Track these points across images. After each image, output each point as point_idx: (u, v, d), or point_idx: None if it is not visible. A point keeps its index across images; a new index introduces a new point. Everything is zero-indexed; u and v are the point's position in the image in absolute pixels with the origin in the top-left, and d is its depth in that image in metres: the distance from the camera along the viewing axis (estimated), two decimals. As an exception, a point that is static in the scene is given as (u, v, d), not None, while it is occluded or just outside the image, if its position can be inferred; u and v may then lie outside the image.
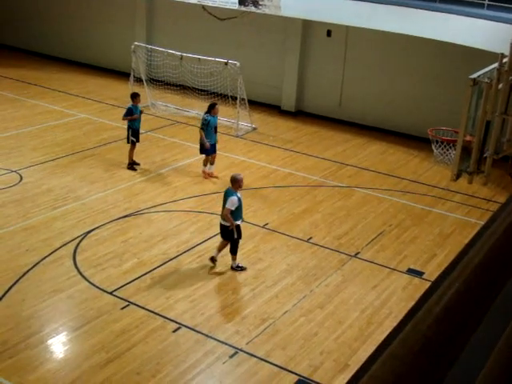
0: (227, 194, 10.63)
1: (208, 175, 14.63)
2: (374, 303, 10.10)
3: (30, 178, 14.18)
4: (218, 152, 14.72)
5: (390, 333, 1.63)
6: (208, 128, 14.27)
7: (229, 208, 10.43)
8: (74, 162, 15.26)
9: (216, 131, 14.59)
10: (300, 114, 20.31)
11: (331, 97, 19.81)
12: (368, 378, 1.37)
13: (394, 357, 1.42)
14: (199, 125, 14.74)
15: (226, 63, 17.89)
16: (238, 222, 10.68)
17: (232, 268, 10.85)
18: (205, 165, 14.61)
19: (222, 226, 10.74)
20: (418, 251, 11.92)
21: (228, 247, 10.83)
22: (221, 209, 10.83)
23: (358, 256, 11.60)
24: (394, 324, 1.71)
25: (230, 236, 10.66)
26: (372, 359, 1.49)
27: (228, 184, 11.00)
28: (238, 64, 17.63)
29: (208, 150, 14.44)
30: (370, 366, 1.44)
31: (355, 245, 12.02)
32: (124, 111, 15.15)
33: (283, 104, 20.61)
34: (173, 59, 19.23)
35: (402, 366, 1.38)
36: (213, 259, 10.93)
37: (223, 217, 10.62)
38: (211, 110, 14.38)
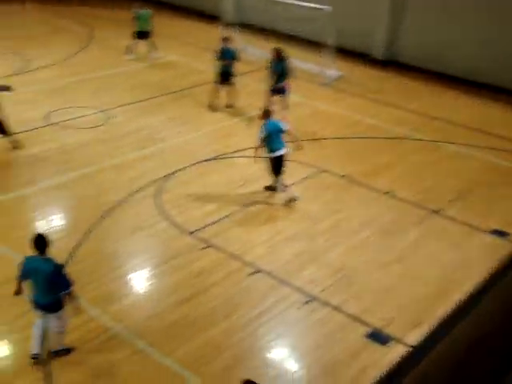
0: (278, 124, 11.00)
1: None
2: (454, 262, 9.85)
3: (119, 118, 14.52)
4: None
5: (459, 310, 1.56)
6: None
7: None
8: (162, 104, 15.51)
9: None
10: (390, 64, 19.66)
11: (425, 46, 18.99)
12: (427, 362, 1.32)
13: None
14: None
15: (319, 8, 17.45)
16: None
17: (270, 188, 11.38)
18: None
19: (282, 157, 11.04)
20: (505, 212, 11.46)
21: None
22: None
23: (441, 213, 11.30)
24: (474, 285, 1.64)
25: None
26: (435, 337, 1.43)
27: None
28: (330, 9, 17.16)
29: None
30: (434, 345, 1.38)
31: (438, 201, 11.68)
32: (217, 53, 15.21)
33: (373, 52, 20.00)
34: (264, 3, 18.95)
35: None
36: (272, 188, 11.47)
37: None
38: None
